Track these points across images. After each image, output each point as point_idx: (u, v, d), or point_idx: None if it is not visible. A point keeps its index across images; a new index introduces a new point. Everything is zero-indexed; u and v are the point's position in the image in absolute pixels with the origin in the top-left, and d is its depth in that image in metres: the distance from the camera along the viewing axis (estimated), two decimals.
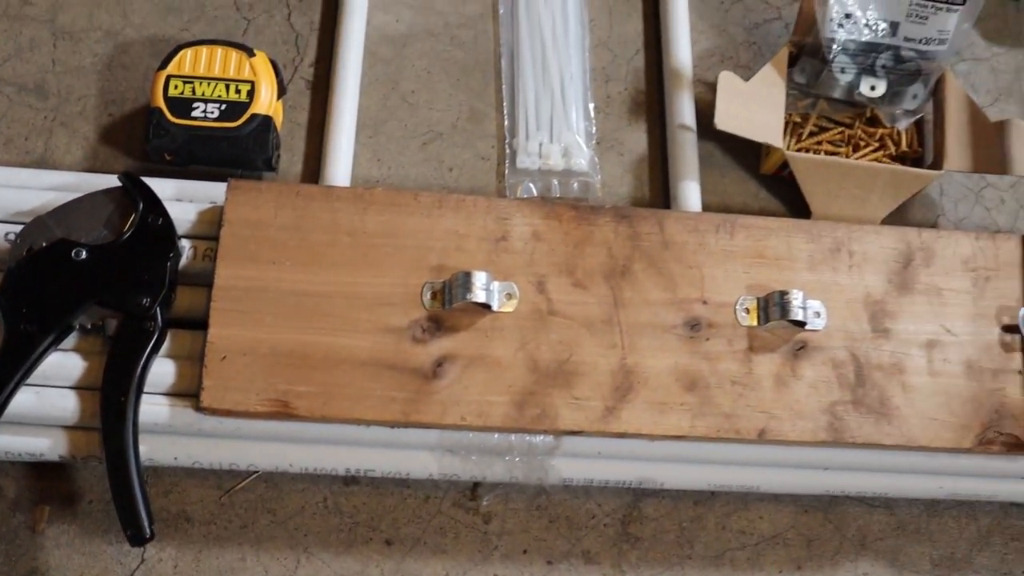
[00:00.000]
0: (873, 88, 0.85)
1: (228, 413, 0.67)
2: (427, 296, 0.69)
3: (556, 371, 0.69)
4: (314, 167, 0.83)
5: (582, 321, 0.70)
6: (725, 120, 0.80)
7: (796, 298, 0.70)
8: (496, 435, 0.69)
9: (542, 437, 0.70)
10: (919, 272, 0.75)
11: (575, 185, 0.84)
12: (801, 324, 0.71)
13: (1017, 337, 0.74)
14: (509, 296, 0.70)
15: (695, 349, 0.70)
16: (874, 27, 0.82)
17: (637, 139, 0.88)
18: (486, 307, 0.68)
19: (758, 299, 0.72)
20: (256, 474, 0.74)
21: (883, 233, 0.76)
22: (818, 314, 0.72)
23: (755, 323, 0.72)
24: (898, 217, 0.86)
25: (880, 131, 0.87)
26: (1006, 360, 0.74)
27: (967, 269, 0.76)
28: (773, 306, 0.71)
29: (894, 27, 0.82)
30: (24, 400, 0.68)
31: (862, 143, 0.87)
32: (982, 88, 0.94)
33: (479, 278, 0.68)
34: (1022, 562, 0.79)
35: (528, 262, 0.71)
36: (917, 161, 0.87)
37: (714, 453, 0.72)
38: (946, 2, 0.80)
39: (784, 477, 0.75)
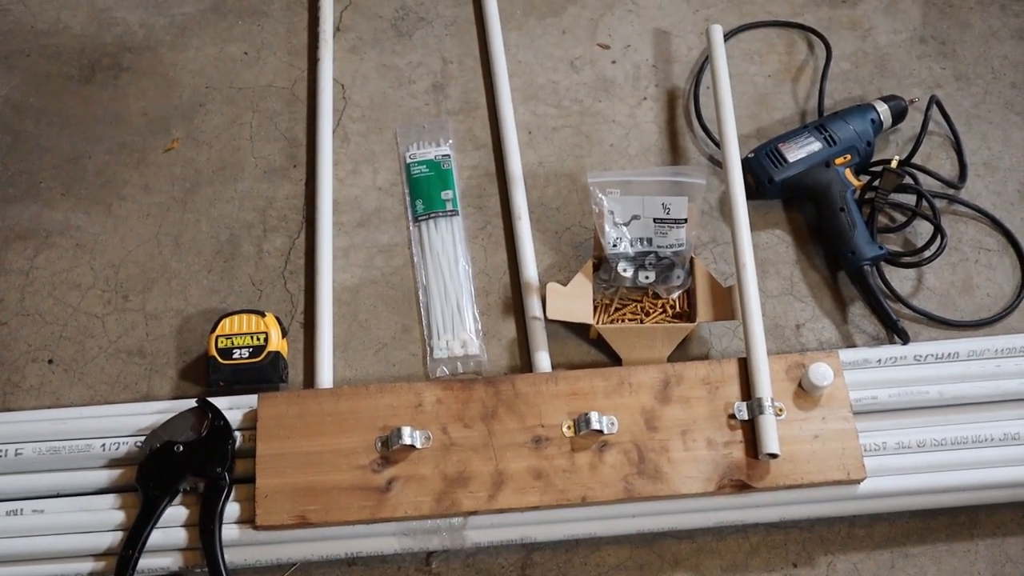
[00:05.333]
0: (647, 277, 1.32)
1: (272, 527, 1.14)
2: (378, 445, 1.17)
3: (457, 478, 1.16)
4: (310, 375, 1.30)
5: (470, 447, 1.17)
6: (554, 312, 1.29)
7: (594, 416, 1.16)
8: (428, 521, 1.16)
9: (456, 519, 1.16)
10: (674, 389, 1.21)
11: (472, 363, 1.32)
12: (601, 432, 1.18)
13: (736, 421, 1.19)
14: (427, 438, 1.18)
15: (539, 454, 1.17)
16: (635, 244, 1.32)
17: (509, 328, 1.36)
18: (412, 447, 1.17)
19: (574, 420, 1.19)
20: (295, 565, 1.20)
21: (650, 369, 1.22)
22: (613, 423, 1.18)
23: (574, 434, 1.18)
24: (681, 351, 1.32)
25: (661, 301, 1.35)
26: (732, 436, 1.18)
27: (704, 384, 1.21)
28: (582, 423, 1.17)
29: (649, 241, 1.31)
30: (155, 536, 1.14)
31: (651, 310, 1.34)
32: (731, 260, 1.42)
33: (406, 431, 1.15)
34: (779, 560, 1.20)
35: (435, 417, 1.19)
36: (689, 317, 1.35)
37: (559, 515, 1.17)
38: (674, 223, 1.30)
39: (611, 524, 1.19)
